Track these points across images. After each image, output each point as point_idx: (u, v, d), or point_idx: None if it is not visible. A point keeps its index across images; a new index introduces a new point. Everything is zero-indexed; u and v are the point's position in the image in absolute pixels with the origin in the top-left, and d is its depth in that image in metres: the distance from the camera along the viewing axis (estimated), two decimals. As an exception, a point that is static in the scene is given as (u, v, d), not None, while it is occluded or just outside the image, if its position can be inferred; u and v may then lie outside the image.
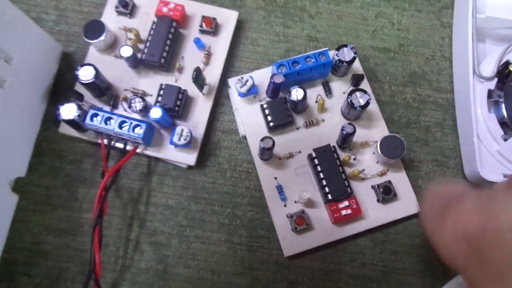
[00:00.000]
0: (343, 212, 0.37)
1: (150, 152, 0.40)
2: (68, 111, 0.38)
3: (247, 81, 0.39)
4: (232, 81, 0.41)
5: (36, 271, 0.39)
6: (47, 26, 0.44)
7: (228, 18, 0.43)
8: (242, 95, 0.40)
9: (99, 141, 0.40)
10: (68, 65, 0.43)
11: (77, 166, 0.41)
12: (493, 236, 0.21)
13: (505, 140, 0.39)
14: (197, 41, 0.42)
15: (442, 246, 0.25)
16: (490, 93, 0.40)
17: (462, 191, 0.26)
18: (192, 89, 0.41)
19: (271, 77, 0.38)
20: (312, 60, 0.39)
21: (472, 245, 0.22)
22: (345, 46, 0.39)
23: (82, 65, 0.39)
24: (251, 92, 0.40)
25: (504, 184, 0.23)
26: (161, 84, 0.40)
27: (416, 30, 0.45)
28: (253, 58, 0.44)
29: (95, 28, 0.40)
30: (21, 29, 0.38)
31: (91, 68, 0.38)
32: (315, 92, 0.41)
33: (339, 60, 0.39)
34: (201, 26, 0.42)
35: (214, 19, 0.42)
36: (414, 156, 0.42)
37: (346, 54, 0.39)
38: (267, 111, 0.39)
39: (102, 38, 0.40)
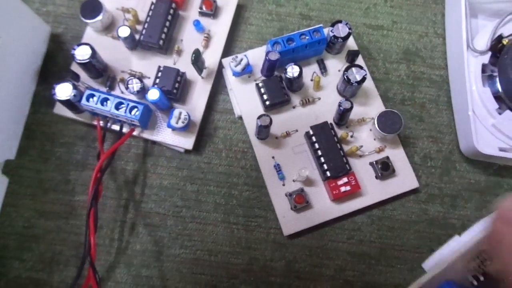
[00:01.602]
0: (342, 189, 0.37)
1: (146, 135, 0.40)
2: (64, 91, 0.37)
3: (241, 60, 0.39)
4: (226, 61, 0.40)
5: (28, 256, 0.38)
6: (34, 7, 0.43)
7: (227, 0, 0.42)
8: (236, 74, 0.39)
9: (95, 122, 0.39)
10: (57, 46, 0.42)
11: (69, 148, 0.40)
12: None
13: (500, 113, 0.39)
14: (197, 24, 0.41)
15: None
16: (483, 68, 0.41)
17: None
18: (191, 72, 0.40)
19: (266, 55, 0.37)
20: (307, 37, 0.39)
21: None
22: (340, 22, 0.39)
23: (79, 44, 0.38)
24: (246, 71, 0.39)
25: None
26: (159, 66, 0.40)
27: (409, 7, 0.45)
28: (246, 37, 0.43)
29: (92, 7, 0.39)
30: (8, 8, 0.37)
31: (87, 47, 0.38)
32: (310, 70, 0.41)
33: (334, 36, 0.39)
34: (200, 8, 0.42)
35: (214, 1, 0.42)
36: (410, 133, 0.41)
37: (341, 30, 0.39)
38: (262, 90, 0.39)
39: (99, 18, 0.39)
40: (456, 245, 0.31)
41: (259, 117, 0.36)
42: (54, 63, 0.42)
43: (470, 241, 0.30)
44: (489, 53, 0.41)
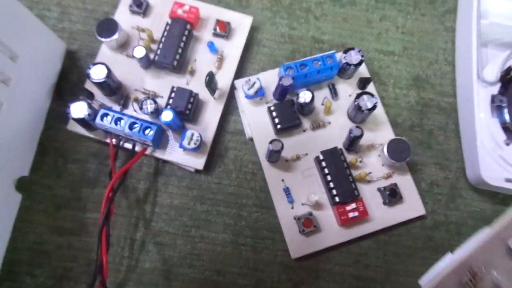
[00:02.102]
0: (351, 215, 0.37)
1: (158, 154, 0.40)
2: (79, 109, 0.37)
3: (254, 83, 0.39)
4: (239, 83, 0.41)
5: (39, 271, 0.39)
6: (50, 23, 0.44)
7: (241, 22, 0.43)
8: (249, 97, 0.40)
9: (108, 140, 0.39)
10: (71, 63, 0.43)
11: (81, 165, 0.41)
12: None
13: (507, 144, 0.40)
14: (211, 45, 0.41)
15: None
16: (492, 98, 0.41)
17: None
18: (203, 93, 0.41)
19: (280, 80, 0.38)
20: (320, 63, 0.39)
21: None
22: (352, 49, 0.39)
23: (94, 63, 0.38)
24: (258, 94, 0.40)
25: None
26: (173, 87, 0.40)
27: (420, 34, 0.45)
28: (258, 59, 0.44)
29: (108, 26, 0.40)
30: (26, 26, 0.38)
31: (103, 67, 0.38)
32: (321, 95, 0.41)
33: (346, 63, 0.39)
34: (215, 29, 0.42)
35: (229, 23, 0.42)
36: (418, 159, 0.42)
37: (354, 57, 0.39)
38: (274, 113, 0.39)
39: (115, 37, 0.40)
40: (449, 262, 0.33)
41: (271, 142, 0.37)
42: (69, 80, 0.43)
43: (461, 257, 0.32)
44: (499, 84, 0.41)
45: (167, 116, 0.38)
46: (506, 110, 0.40)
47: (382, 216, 0.39)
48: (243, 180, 0.41)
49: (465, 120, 0.42)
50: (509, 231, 0.33)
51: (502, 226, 0.33)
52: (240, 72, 0.43)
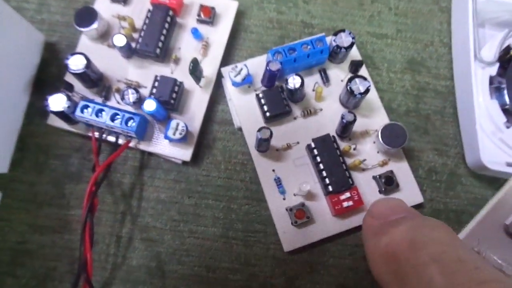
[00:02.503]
0: (345, 204, 0.36)
1: (143, 146, 0.38)
2: (57, 102, 0.36)
3: (241, 69, 0.37)
4: (226, 70, 0.39)
5: (21, 272, 0.37)
6: (28, 15, 0.42)
7: (226, 7, 0.41)
8: (236, 84, 0.38)
9: (90, 134, 0.38)
10: (51, 55, 0.41)
11: (64, 161, 0.39)
12: (415, 265, 0.23)
13: (508, 127, 0.38)
14: (195, 32, 0.40)
15: (373, 263, 0.27)
16: (491, 80, 0.39)
17: (401, 211, 0.28)
18: (188, 82, 0.39)
19: (267, 65, 0.36)
20: (309, 47, 0.38)
21: (398, 269, 0.24)
22: (343, 31, 0.37)
23: (73, 53, 0.37)
24: (246, 81, 0.38)
25: (436, 220, 0.26)
26: (156, 76, 0.38)
27: (414, 15, 0.44)
28: (246, 45, 0.42)
29: (87, 15, 0.38)
30: (1, 17, 0.36)
31: (82, 57, 0.36)
32: (312, 80, 0.39)
33: (337, 46, 0.37)
34: (199, 15, 0.40)
35: (213, 8, 0.40)
36: (414, 146, 0.40)
37: (344, 39, 0.37)
38: (263, 101, 0.37)
39: (94, 26, 0.38)
40: None
41: (259, 130, 0.35)
42: (49, 73, 0.41)
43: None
44: (497, 64, 0.39)
45: (149, 105, 0.36)
46: (505, 92, 0.39)
47: (378, 205, 0.37)
48: (232, 171, 0.39)
49: (463, 103, 0.40)
50: (504, 210, 0.32)
51: (496, 206, 0.32)
52: (227, 60, 0.41)
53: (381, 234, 0.27)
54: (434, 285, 0.22)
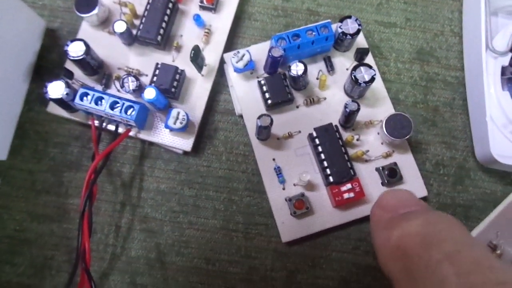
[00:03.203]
0: (345, 196, 0.35)
1: (143, 135, 0.38)
2: (56, 89, 0.35)
3: (243, 55, 0.37)
4: (228, 56, 0.38)
5: (19, 260, 0.37)
6: (30, 0, 0.41)
7: (230, -7, 0.40)
8: (238, 70, 0.37)
9: (90, 122, 0.37)
10: (52, 42, 0.41)
11: (63, 149, 0.39)
12: (428, 263, 0.22)
13: (520, 119, 0.37)
14: (197, 18, 0.39)
15: (382, 257, 0.26)
16: (503, 70, 0.38)
17: (411, 204, 0.27)
18: (190, 70, 0.38)
19: (269, 51, 0.35)
20: (314, 33, 0.37)
21: (409, 266, 0.23)
22: (349, 17, 0.36)
23: (72, 40, 0.36)
24: (248, 67, 0.37)
25: (449, 216, 0.25)
26: (157, 63, 0.38)
27: (424, 3, 0.42)
28: (249, 33, 0.41)
29: (87, 1, 0.38)
30: (2, 2, 0.35)
31: (81, 43, 0.36)
32: (317, 68, 0.38)
33: (343, 32, 0.36)
34: (201, 1, 0.39)
35: (216, -6, 0.40)
36: (422, 138, 0.39)
37: (350, 26, 0.36)
38: (265, 88, 0.37)
39: (95, 12, 0.38)
40: None
41: (259, 117, 0.34)
42: (49, 60, 0.40)
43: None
44: (510, 54, 0.38)
45: (150, 93, 0.35)
46: (518, 82, 0.37)
47: (381, 197, 0.36)
48: (234, 162, 0.39)
49: (473, 94, 0.39)
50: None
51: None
52: (230, 48, 0.40)
53: (391, 227, 0.26)
54: (448, 285, 0.21)
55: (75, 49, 0.36)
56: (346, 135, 0.37)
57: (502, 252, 0.33)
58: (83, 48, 0.36)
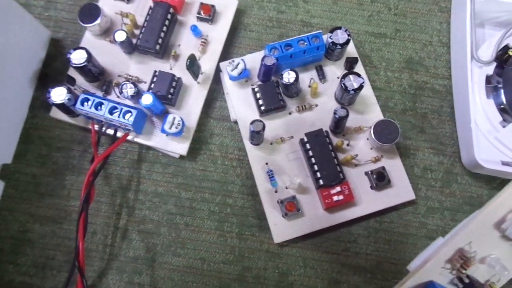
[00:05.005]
0: (335, 198, 0.36)
1: (141, 139, 0.39)
2: (59, 94, 0.37)
3: (238, 64, 0.38)
4: (224, 65, 0.40)
5: (22, 260, 0.38)
6: (36, 12, 0.43)
7: (226, 5, 0.42)
8: (233, 78, 0.39)
9: (90, 126, 0.39)
10: (57, 51, 0.43)
11: (65, 153, 0.40)
12: None
13: (504, 126, 0.38)
14: (194, 29, 0.40)
15: None
16: (488, 79, 0.39)
17: None
18: (187, 78, 0.40)
19: (262, 59, 0.37)
20: (306, 43, 0.38)
21: None
22: (339, 28, 0.38)
23: (75, 48, 0.38)
24: (243, 75, 0.39)
25: None
26: (155, 71, 0.39)
27: (413, 15, 0.44)
28: (245, 43, 0.43)
29: (90, 12, 0.40)
30: (9, 13, 0.37)
31: (83, 51, 0.38)
32: (309, 76, 0.40)
33: (333, 42, 0.38)
34: (199, 13, 0.41)
35: (213, 6, 0.41)
36: (410, 144, 0.40)
37: (340, 36, 0.38)
38: (258, 95, 0.38)
39: (97, 22, 0.40)
40: (440, 246, 0.31)
41: (252, 123, 0.36)
42: (53, 68, 0.42)
43: (452, 241, 0.30)
44: (494, 64, 0.39)
45: (147, 99, 0.37)
46: (502, 91, 0.39)
47: (369, 200, 0.37)
48: (229, 166, 0.40)
49: (459, 102, 0.40)
50: (500, 214, 0.31)
51: (494, 209, 0.32)
52: (226, 57, 0.42)
53: None
54: None
55: (77, 57, 0.38)
56: (336, 140, 0.38)
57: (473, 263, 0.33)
58: (85, 55, 0.38)
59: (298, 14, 0.44)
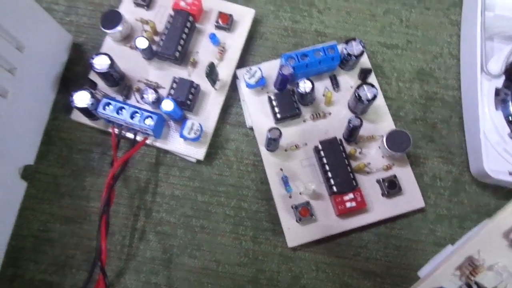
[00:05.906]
0: (348, 205, 0.37)
1: (159, 144, 0.41)
2: (81, 98, 0.38)
3: (255, 72, 0.39)
4: (241, 72, 0.41)
5: (42, 258, 0.39)
6: (57, 16, 0.45)
7: (243, 15, 0.43)
8: (250, 86, 0.40)
9: (110, 130, 0.40)
10: (77, 55, 0.44)
11: (86, 155, 0.41)
12: None
13: (512, 137, 0.39)
14: (212, 37, 0.42)
15: None
16: (497, 91, 0.40)
17: None
18: (204, 84, 0.41)
19: (280, 69, 0.38)
20: (321, 53, 0.39)
21: None
22: (354, 39, 0.39)
23: (98, 53, 0.39)
24: (259, 83, 0.40)
25: None
26: (174, 77, 0.41)
27: (424, 28, 0.45)
28: (260, 52, 0.44)
29: (112, 18, 0.41)
30: (33, 18, 0.39)
31: (106, 57, 0.39)
32: (323, 85, 0.41)
33: (348, 53, 0.39)
34: (217, 22, 0.42)
35: (231, 15, 0.42)
36: (420, 153, 0.42)
37: (355, 47, 0.39)
38: (274, 103, 0.39)
39: (119, 28, 0.41)
40: (449, 253, 0.32)
41: (269, 130, 0.37)
42: (74, 72, 0.43)
43: (461, 249, 0.31)
44: (503, 77, 0.40)
45: (167, 105, 0.38)
46: (510, 103, 0.40)
47: (380, 208, 0.39)
48: (244, 171, 0.41)
49: (469, 113, 0.41)
50: (509, 223, 0.32)
51: (503, 219, 0.33)
52: (242, 65, 0.43)
53: None
54: None
55: (100, 63, 0.39)
56: (349, 148, 0.39)
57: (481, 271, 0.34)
58: (108, 62, 0.39)
59: (312, 24, 0.45)
